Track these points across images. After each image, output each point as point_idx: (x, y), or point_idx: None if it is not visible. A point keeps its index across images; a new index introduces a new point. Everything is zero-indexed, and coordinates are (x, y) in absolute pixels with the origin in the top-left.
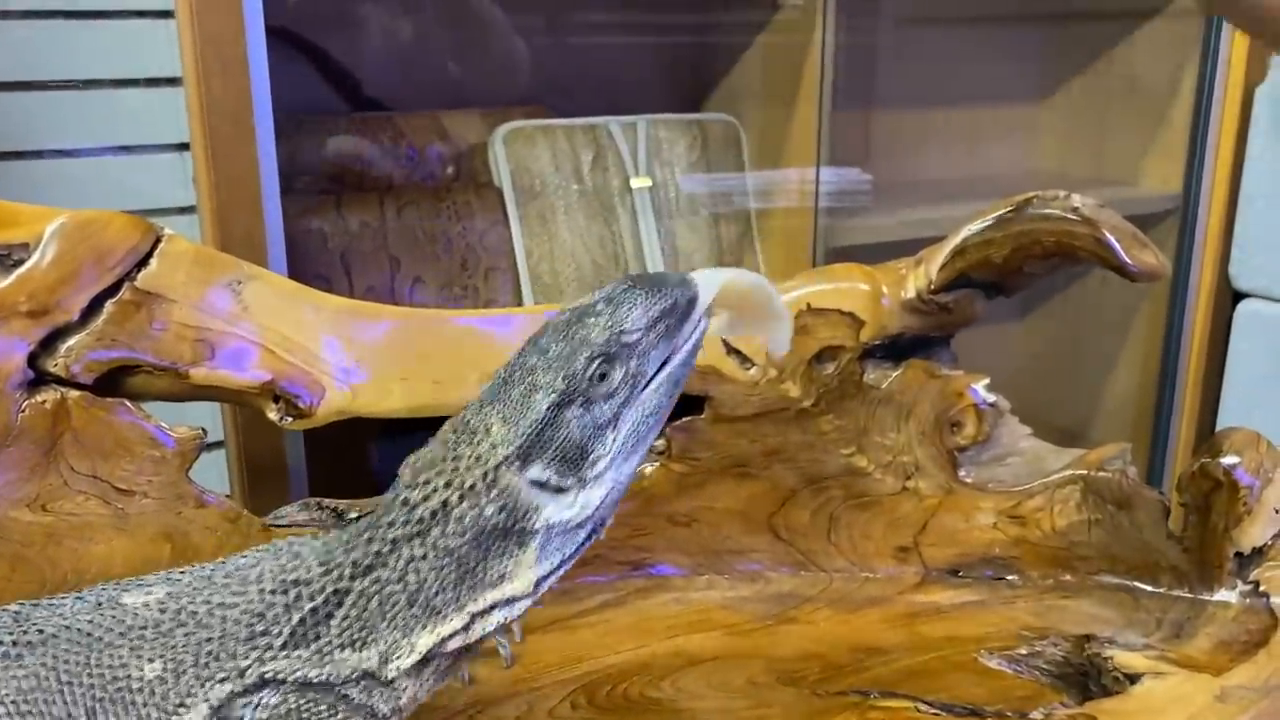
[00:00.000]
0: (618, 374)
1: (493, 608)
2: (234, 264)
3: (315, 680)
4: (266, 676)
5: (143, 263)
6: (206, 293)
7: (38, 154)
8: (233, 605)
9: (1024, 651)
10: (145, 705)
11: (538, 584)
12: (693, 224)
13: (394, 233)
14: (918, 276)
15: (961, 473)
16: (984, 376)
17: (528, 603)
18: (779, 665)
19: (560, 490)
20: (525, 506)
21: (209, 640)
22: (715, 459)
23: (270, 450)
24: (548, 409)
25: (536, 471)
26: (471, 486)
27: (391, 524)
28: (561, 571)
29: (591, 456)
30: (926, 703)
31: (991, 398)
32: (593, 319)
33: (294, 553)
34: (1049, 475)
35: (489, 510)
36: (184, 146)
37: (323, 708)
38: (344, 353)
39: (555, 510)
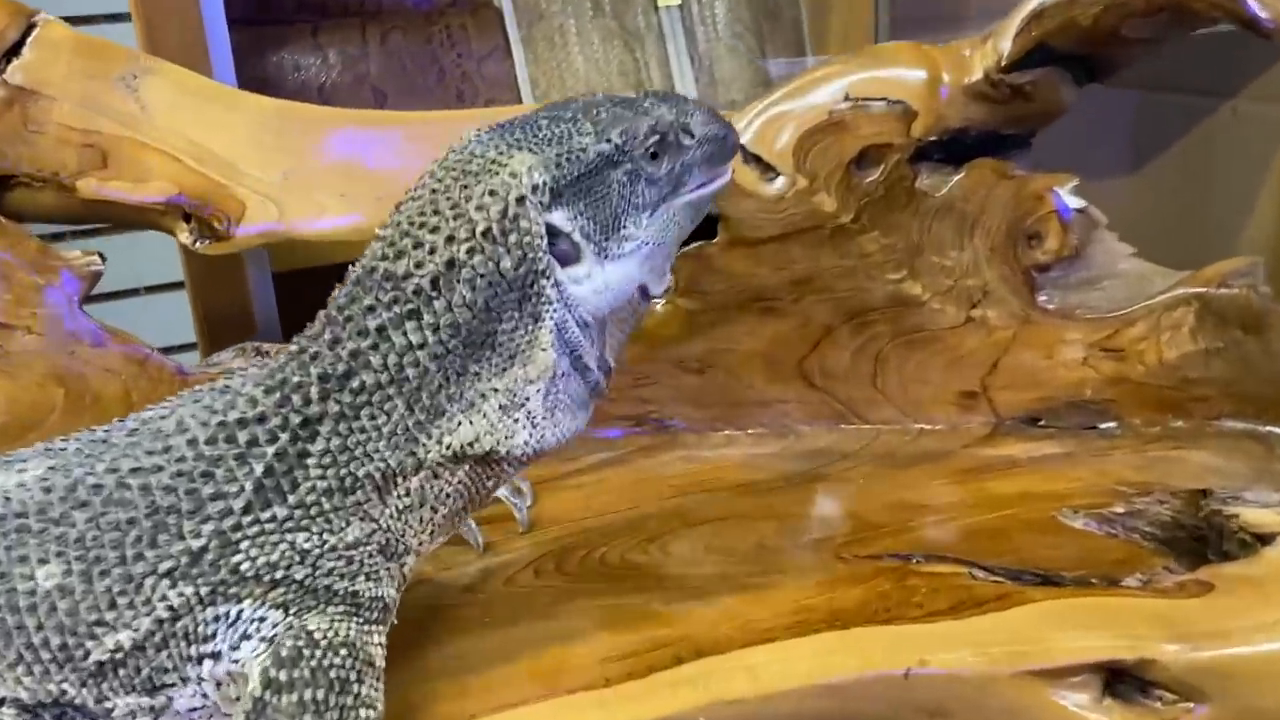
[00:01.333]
0: (664, 165)
1: (515, 407)
2: (128, 55)
3: (309, 549)
4: (243, 570)
5: (13, 52)
6: (95, 89)
7: None
8: (155, 470)
9: (1120, 510)
10: (42, 629)
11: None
12: (733, 46)
13: (378, 63)
14: (985, 54)
15: (1042, 297)
16: (1069, 177)
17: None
18: (797, 526)
19: (577, 258)
20: (542, 261)
21: (131, 522)
22: (731, 292)
23: (235, 302)
24: (596, 156)
25: (562, 217)
26: (486, 232)
27: (371, 309)
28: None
29: (623, 231)
30: (984, 568)
31: (1079, 203)
32: (654, 102)
33: (222, 390)
34: (1154, 297)
35: (506, 263)
36: None
37: (339, 658)
38: (270, 163)
39: (568, 278)
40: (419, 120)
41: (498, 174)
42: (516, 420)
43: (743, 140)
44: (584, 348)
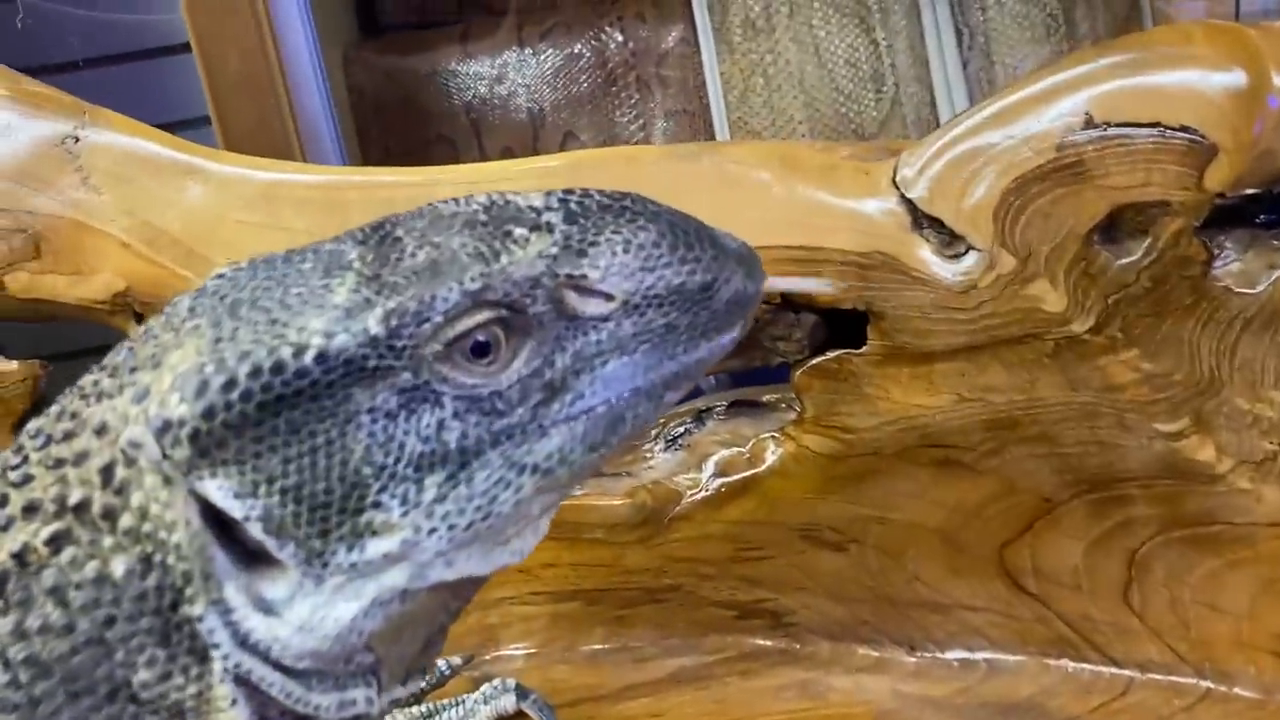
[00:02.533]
0: (519, 360)
1: None
2: (68, 106)
3: None
4: None
5: None
6: (23, 156)
7: None
8: None
9: None
10: None
11: None
12: (1022, 14)
13: (535, 71)
14: None
15: None
16: None
17: None
18: None
19: (264, 559)
20: (175, 574)
21: None
22: (890, 432)
23: None
24: (319, 363)
25: (221, 490)
26: (82, 506)
27: None
28: None
29: (367, 515)
30: None
31: None
32: (526, 228)
33: None
34: None
35: (117, 567)
36: None
37: None
38: (239, 246)
39: (240, 602)
40: (473, 178)
41: (133, 386)
42: None
43: (913, 193)
44: (309, 703)
